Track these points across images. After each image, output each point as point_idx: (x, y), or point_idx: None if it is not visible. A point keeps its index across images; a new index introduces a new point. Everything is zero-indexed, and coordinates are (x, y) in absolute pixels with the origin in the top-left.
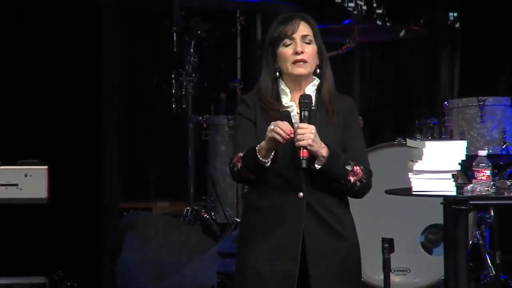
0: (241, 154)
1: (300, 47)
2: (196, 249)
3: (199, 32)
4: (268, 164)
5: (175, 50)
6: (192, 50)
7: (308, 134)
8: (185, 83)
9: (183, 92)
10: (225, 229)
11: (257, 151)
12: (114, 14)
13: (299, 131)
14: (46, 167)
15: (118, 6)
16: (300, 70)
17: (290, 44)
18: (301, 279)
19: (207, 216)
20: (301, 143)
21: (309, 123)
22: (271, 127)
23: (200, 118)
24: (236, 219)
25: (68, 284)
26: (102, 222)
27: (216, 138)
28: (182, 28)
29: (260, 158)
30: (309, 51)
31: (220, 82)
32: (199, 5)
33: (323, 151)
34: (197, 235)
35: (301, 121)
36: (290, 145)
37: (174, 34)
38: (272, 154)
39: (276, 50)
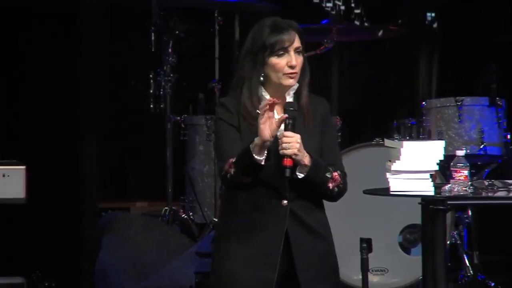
0: (232, 160)
1: (295, 61)
2: (175, 249)
3: (177, 32)
4: (264, 162)
5: (153, 49)
6: (170, 50)
7: (294, 143)
8: (163, 83)
9: (161, 92)
10: (203, 229)
11: (251, 149)
12: (94, 13)
13: (284, 139)
14: (24, 167)
15: (98, 6)
16: (291, 81)
17: (284, 55)
18: (290, 284)
19: (185, 216)
20: (286, 151)
21: (293, 131)
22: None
23: (179, 118)
24: (214, 219)
25: (46, 284)
26: (80, 222)
27: (194, 138)
28: (161, 28)
29: (256, 157)
30: (300, 62)
31: (198, 82)
32: (177, 4)
33: (306, 159)
34: (176, 235)
35: (286, 129)
36: (276, 154)
37: (152, 33)
38: (266, 152)
39: (266, 58)
